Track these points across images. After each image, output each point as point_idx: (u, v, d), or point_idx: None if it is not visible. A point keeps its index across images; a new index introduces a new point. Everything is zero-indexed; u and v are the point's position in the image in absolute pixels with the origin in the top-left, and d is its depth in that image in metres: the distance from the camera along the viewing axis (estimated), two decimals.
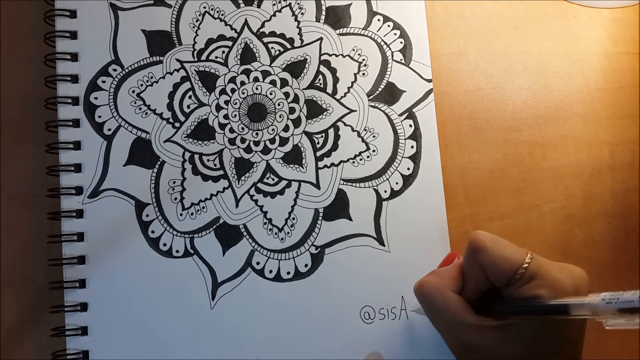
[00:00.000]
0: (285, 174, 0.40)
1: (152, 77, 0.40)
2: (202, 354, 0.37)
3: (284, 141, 0.40)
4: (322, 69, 0.41)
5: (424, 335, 0.38)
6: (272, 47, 0.41)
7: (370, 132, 0.40)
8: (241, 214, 0.39)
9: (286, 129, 0.40)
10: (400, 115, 0.41)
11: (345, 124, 0.40)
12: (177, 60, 0.40)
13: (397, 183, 0.40)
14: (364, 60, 0.41)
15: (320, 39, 0.41)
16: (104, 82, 0.40)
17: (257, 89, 0.41)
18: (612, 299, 0.22)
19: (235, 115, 0.40)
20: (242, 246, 0.39)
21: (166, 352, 0.37)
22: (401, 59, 0.41)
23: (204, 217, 0.39)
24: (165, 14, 0.41)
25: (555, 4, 0.44)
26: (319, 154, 0.40)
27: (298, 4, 0.42)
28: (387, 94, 0.41)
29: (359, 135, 0.40)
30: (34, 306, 0.38)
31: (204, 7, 0.41)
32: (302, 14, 0.41)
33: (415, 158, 0.40)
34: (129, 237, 0.38)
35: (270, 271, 0.39)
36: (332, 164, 0.40)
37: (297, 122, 0.40)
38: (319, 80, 0.41)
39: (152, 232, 0.38)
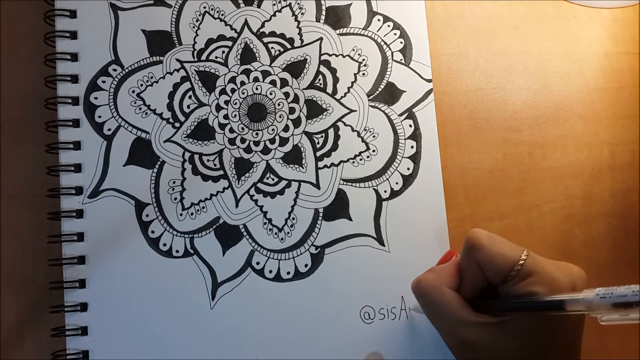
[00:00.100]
0: (285, 174, 0.40)
1: (152, 77, 0.40)
2: (202, 354, 0.37)
3: (284, 141, 0.40)
4: (322, 69, 0.41)
5: (424, 335, 0.38)
6: (272, 47, 0.41)
7: (370, 132, 0.40)
8: (241, 214, 0.39)
9: (286, 129, 0.40)
10: (400, 115, 0.41)
11: (345, 124, 0.40)
12: (177, 60, 0.40)
13: (397, 183, 0.40)
14: (364, 60, 0.41)
15: (320, 39, 0.41)
16: (104, 82, 0.40)
17: (257, 89, 0.41)
18: (606, 294, 0.23)
19: (235, 115, 0.40)
20: (242, 246, 0.39)
21: (166, 352, 0.37)
22: (401, 59, 0.41)
23: (204, 217, 0.39)
24: (165, 14, 0.41)
25: (555, 4, 0.44)
26: (319, 154, 0.40)
27: (298, 4, 0.42)
28: (387, 94, 0.41)
29: (359, 135, 0.40)
30: (34, 306, 0.38)
31: (204, 7, 0.41)
32: (302, 14, 0.41)
33: (415, 158, 0.40)
34: (129, 237, 0.38)
35: (270, 271, 0.39)
36: (332, 164, 0.40)
37: (297, 122, 0.40)
38: (319, 80, 0.41)
39: (152, 232, 0.38)
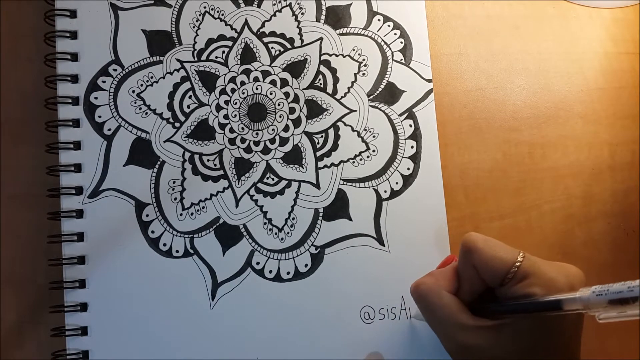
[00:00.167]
0: (285, 174, 0.40)
1: (152, 77, 0.40)
2: (202, 354, 0.37)
3: (284, 141, 0.40)
4: (322, 69, 0.41)
5: (424, 335, 0.38)
6: (272, 47, 0.41)
7: (370, 132, 0.40)
8: (241, 214, 0.39)
9: (286, 129, 0.40)
10: (400, 115, 0.41)
11: (345, 124, 0.40)
12: (177, 60, 0.40)
13: (397, 183, 0.40)
14: (364, 60, 0.41)
15: (321, 39, 0.41)
16: (104, 82, 0.40)
17: (257, 89, 0.41)
18: (602, 291, 0.23)
19: (235, 115, 0.40)
20: (242, 246, 0.39)
21: (166, 352, 0.37)
22: (401, 59, 0.41)
23: (204, 217, 0.39)
24: (166, 14, 0.41)
25: (555, 4, 0.44)
26: (319, 154, 0.40)
27: (298, 4, 0.42)
28: (387, 94, 0.41)
29: (359, 135, 0.40)
30: (34, 306, 0.38)
31: (204, 7, 0.41)
32: (302, 14, 0.41)
33: (415, 158, 0.40)
34: (129, 237, 0.38)
35: (270, 271, 0.39)
36: (332, 164, 0.40)
37: (297, 122, 0.40)
38: (319, 80, 0.41)
39: (152, 232, 0.38)
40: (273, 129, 0.40)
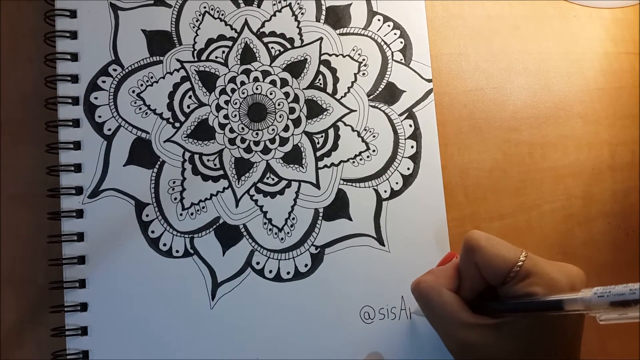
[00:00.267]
0: (285, 174, 0.40)
1: (152, 77, 0.40)
2: (202, 354, 0.37)
3: (284, 141, 0.40)
4: (322, 68, 0.41)
5: (424, 335, 0.38)
6: (272, 47, 0.41)
7: (370, 132, 0.40)
8: (241, 214, 0.39)
9: (286, 129, 0.40)
10: (400, 115, 0.41)
11: (345, 124, 0.40)
12: (177, 60, 0.40)
13: (397, 183, 0.40)
14: (364, 60, 0.41)
15: (321, 38, 0.41)
16: (104, 82, 0.40)
17: (257, 89, 0.41)
18: (604, 293, 0.23)
19: (235, 115, 0.40)
20: (242, 246, 0.39)
21: (166, 352, 0.37)
22: (401, 59, 0.41)
23: (204, 217, 0.39)
24: (165, 14, 0.41)
25: (555, 4, 0.44)
26: (319, 154, 0.40)
27: (298, 4, 0.42)
28: (387, 93, 0.41)
29: (359, 135, 0.40)
30: (34, 306, 0.38)
31: (204, 7, 0.41)
32: (302, 14, 0.41)
33: (415, 158, 0.40)
34: (129, 237, 0.38)
35: (270, 271, 0.39)
36: (332, 164, 0.40)
37: (297, 122, 0.40)
38: (319, 80, 0.41)
39: (152, 232, 0.38)
40: (273, 129, 0.40)
